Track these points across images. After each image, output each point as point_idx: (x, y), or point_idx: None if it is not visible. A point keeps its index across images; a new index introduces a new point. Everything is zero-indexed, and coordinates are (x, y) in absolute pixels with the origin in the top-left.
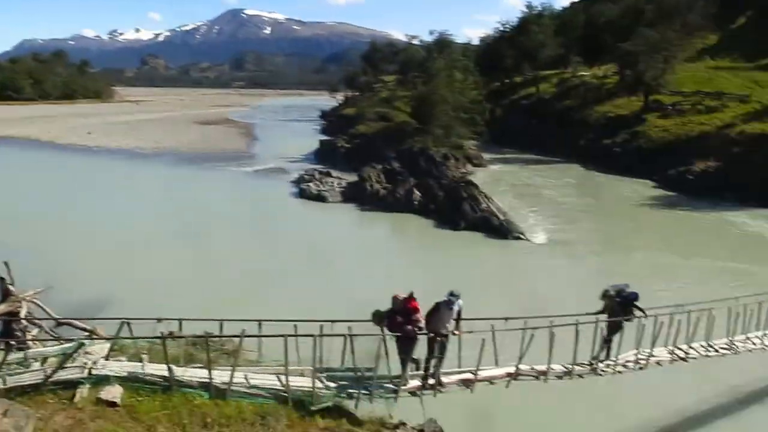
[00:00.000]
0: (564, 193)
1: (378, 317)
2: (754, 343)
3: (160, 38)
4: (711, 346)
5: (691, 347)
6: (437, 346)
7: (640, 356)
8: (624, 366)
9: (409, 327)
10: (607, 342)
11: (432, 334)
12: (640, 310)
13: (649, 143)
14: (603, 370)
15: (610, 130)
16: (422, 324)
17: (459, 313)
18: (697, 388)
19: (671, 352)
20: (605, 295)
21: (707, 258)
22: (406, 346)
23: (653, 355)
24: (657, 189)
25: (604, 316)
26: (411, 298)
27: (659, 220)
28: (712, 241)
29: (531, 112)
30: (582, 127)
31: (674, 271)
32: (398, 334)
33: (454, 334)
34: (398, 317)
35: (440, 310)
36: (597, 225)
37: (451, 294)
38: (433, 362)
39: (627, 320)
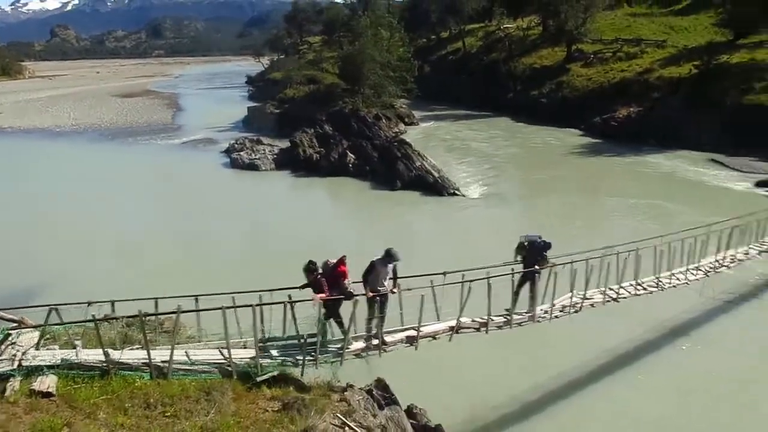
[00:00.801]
0: (495, 146)
1: (307, 270)
2: (678, 279)
3: (68, 7)
4: (640, 285)
5: (621, 287)
6: (377, 306)
7: (574, 299)
8: (561, 311)
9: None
10: (530, 293)
11: (372, 294)
12: (545, 259)
13: (574, 92)
14: (541, 317)
15: (536, 81)
16: (349, 289)
17: (395, 270)
18: (627, 327)
19: (603, 293)
20: (520, 247)
21: (632, 200)
22: (331, 310)
23: (587, 298)
24: (583, 137)
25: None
26: (341, 262)
27: (586, 167)
28: (636, 184)
29: (459, 68)
30: (509, 79)
31: (601, 214)
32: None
33: (392, 292)
34: (325, 283)
35: (376, 269)
36: (528, 175)
37: (387, 252)
38: (374, 322)
39: (539, 270)
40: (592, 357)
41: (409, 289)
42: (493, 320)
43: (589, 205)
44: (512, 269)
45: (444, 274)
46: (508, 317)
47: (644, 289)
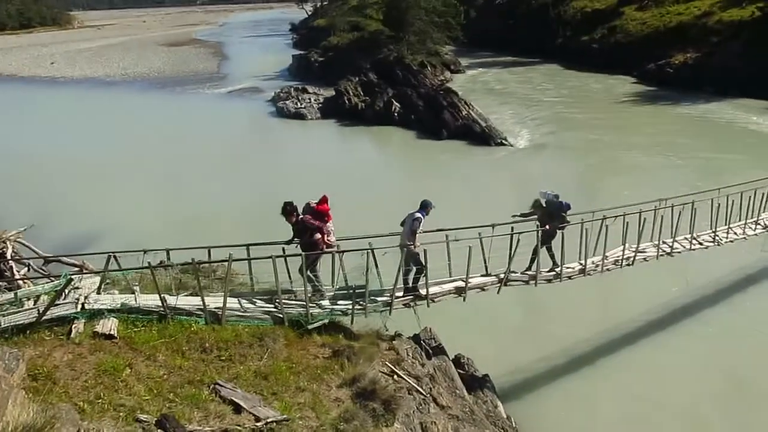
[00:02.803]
0: (544, 94)
1: (287, 213)
2: (736, 233)
3: None
4: (695, 239)
5: (676, 241)
6: (405, 259)
7: (627, 253)
8: (613, 263)
9: (315, 237)
10: (548, 252)
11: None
12: (564, 220)
13: (628, 38)
14: (592, 270)
15: (587, 26)
16: (332, 237)
17: (413, 224)
18: (683, 281)
19: (657, 247)
20: (535, 204)
21: (688, 151)
22: (308, 258)
23: (640, 251)
24: (637, 84)
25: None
26: (323, 201)
27: (639, 117)
28: (693, 134)
29: (506, 12)
30: (558, 24)
31: (654, 165)
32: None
33: (415, 246)
34: (308, 219)
35: (405, 223)
36: (577, 124)
37: (421, 204)
38: (412, 275)
39: (560, 228)
40: (643, 311)
41: (456, 240)
42: (542, 273)
43: (641, 156)
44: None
45: (492, 226)
46: (557, 270)
47: (700, 243)
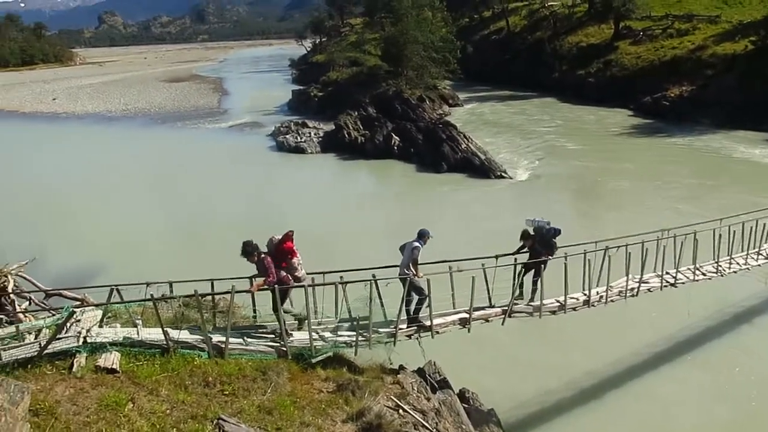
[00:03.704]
0: (541, 127)
1: (246, 253)
2: (738, 264)
3: None
4: (698, 270)
5: (679, 272)
6: (408, 289)
7: (630, 284)
8: (617, 294)
9: (282, 273)
10: (533, 283)
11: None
12: (553, 247)
13: (623, 71)
14: (596, 301)
15: (583, 60)
16: (300, 271)
17: (413, 253)
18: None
19: (660, 277)
20: (524, 235)
21: (687, 182)
22: (273, 296)
23: (644, 282)
24: (633, 117)
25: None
26: (286, 238)
27: (637, 149)
28: (691, 166)
29: (502, 47)
30: (554, 59)
31: (655, 197)
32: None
33: (418, 276)
34: (272, 264)
35: (403, 252)
36: (576, 157)
37: (419, 234)
38: (413, 305)
39: (547, 259)
40: (648, 344)
41: (460, 270)
42: (545, 304)
43: (640, 187)
44: (566, 254)
45: (496, 257)
46: (561, 301)
47: (703, 274)
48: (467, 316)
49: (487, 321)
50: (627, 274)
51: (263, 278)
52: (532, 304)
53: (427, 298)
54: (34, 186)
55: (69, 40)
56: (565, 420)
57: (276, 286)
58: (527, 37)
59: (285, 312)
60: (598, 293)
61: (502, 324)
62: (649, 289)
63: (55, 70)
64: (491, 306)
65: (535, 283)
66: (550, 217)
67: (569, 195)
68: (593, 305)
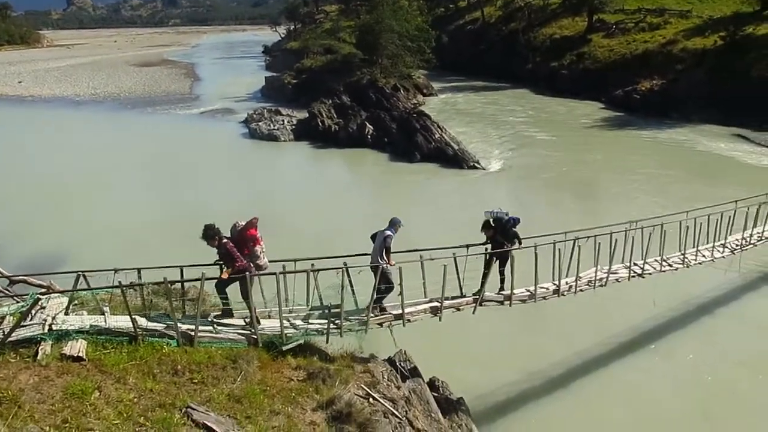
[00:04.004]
0: (514, 118)
1: (207, 237)
2: (704, 256)
3: None
4: (665, 261)
5: (646, 263)
6: (378, 278)
7: (599, 274)
8: (586, 284)
9: (242, 262)
10: (501, 274)
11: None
12: (517, 239)
13: (595, 64)
14: (566, 291)
15: (556, 52)
16: (262, 260)
17: (384, 241)
18: (651, 303)
19: (628, 268)
20: (485, 225)
21: (655, 174)
22: (241, 283)
23: (612, 272)
24: (604, 110)
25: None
26: (250, 225)
27: (607, 141)
28: (659, 159)
29: (477, 38)
30: (528, 50)
31: (622, 189)
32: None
33: (391, 264)
34: (235, 249)
35: (374, 241)
36: (547, 148)
37: (390, 222)
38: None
39: (509, 250)
40: (614, 333)
41: (432, 259)
42: (515, 294)
43: (610, 179)
44: (535, 244)
45: (467, 246)
46: (531, 290)
47: (669, 265)
48: (438, 304)
49: (459, 310)
50: (596, 265)
51: (231, 266)
52: (502, 293)
53: (395, 287)
54: None
55: (36, 22)
56: (533, 408)
57: (247, 273)
58: (502, 28)
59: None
60: (567, 283)
61: (473, 312)
62: (617, 280)
63: (20, 52)
64: (462, 295)
65: (501, 273)
66: (522, 207)
67: (540, 186)
68: (563, 294)
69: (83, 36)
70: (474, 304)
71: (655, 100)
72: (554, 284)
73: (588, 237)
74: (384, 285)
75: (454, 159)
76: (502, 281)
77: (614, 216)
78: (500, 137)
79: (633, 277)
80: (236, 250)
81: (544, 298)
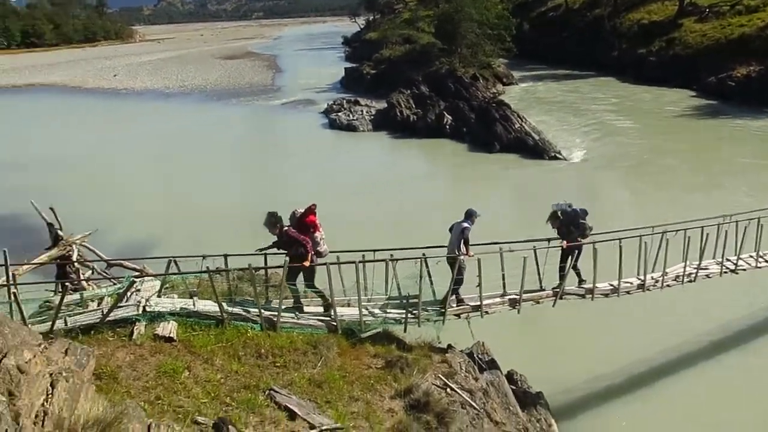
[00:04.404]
0: (598, 107)
1: (270, 223)
2: None
3: None
4: (762, 257)
5: (740, 259)
6: (456, 270)
7: (688, 269)
8: (674, 280)
9: (301, 249)
10: (574, 268)
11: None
12: (585, 228)
13: (686, 50)
14: (652, 286)
15: (644, 38)
16: (322, 246)
17: (462, 233)
18: (747, 301)
19: (720, 264)
20: (552, 216)
21: (751, 167)
22: (295, 270)
23: (702, 268)
24: (696, 98)
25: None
26: (309, 212)
27: (699, 131)
28: (756, 151)
29: (560, 24)
30: (614, 37)
31: (716, 183)
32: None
33: (469, 256)
34: (291, 232)
35: (451, 233)
36: (634, 138)
37: (466, 214)
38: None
39: (584, 237)
40: (703, 331)
41: (511, 251)
42: (598, 287)
43: (701, 172)
44: (619, 238)
45: (548, 240)
46: (614, 284)
47: (766, 261)
48: (517, 297)
49: (538, 303)
50: (685, 260)
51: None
52: (583, 286)
53: (464, 280)
54: (98, 159)
55: (129, 18)
56: (615, 405)
57: (317, 259)
58: (586, 14)
59: (309, 288)
60: (653, 278)
61: (553, 306)
62: (707, 275)
63: (115, 47)
64: (542, 288)
65: (575, 267)
66: (605, 199)
67: (625, 177)
68: (648, 290)
69: (172, 30)
70: (554, 298)
71: (753, 88)
72: (639, 279)
73: (677, 230)
74: (457, 276)
75: (534, 149)
76: (578, 275)
77: (706, 209)
78: (583, 127)
79: (725, 273)
80: (299, 235)
81: (628, 292)
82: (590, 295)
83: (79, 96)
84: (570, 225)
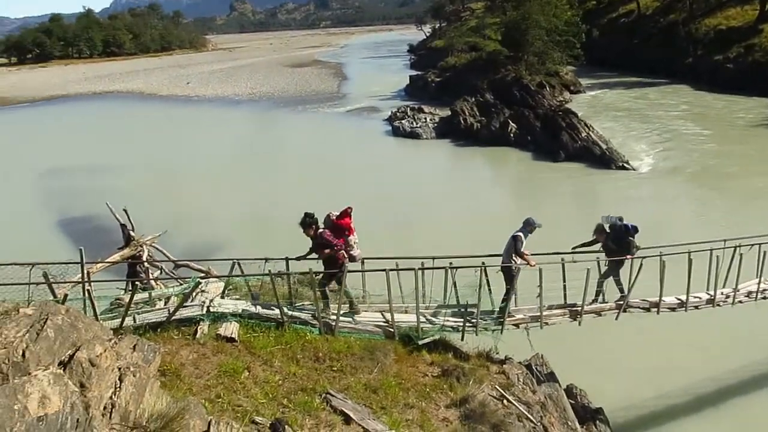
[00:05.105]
0: (671, 116)
1: (306, 224)
2: None
3: None
4: None
5: None
6: (509, 280)
7: (762, 285)
8: (746, 296)
9: (329, 250)
10: (617, 284)
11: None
12: (631, 246)
13: (767, 56)
14: (722, 302)
15: (721, 44)
16: (355, 250)
17: (514, 244)
18: None
19: None
20: (598, 230)
21: None
22: (330, 273)
23: None
24: None
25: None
26: (345, 214)
27: None
28: None
29: (631, 31)
30: (688, 43)
31: None
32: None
33: (531, 265)
34: (333, 237)
35: (508, 242)
36: (707, 150)
37: (524, 223)
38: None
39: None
40: None
41: (574, 261)
42: (664, 301)
43: None
44: (689, 251)
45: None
46: (682, 299)
47: None
48: (578, 308)
49: (600, 315)
50: (759, 276)
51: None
52: (648, 299)
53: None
54: (169, 164)
55: (203, 27)
56: (679, 425)
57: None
58: (659, 20)
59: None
60: (723, 293)
61: (616, 318)
62: None
63: (189, 55)
64: (604, 300)
65: (617, 282)
66: (673, 213)
67: (696, 191)
68: (718, 305)
69: (243, 39)
70: (617, 310)
71: None
72: (709, 294)
73: (752, 245)
74: (506, 286)
75: (601, 159)
76: (621, 290)
77: None
78: (653, 138)
79: None
80: (333, 238)
81: (696, 307)
82: (656, 309)
83: (154, 103)
84: (615, 240)
